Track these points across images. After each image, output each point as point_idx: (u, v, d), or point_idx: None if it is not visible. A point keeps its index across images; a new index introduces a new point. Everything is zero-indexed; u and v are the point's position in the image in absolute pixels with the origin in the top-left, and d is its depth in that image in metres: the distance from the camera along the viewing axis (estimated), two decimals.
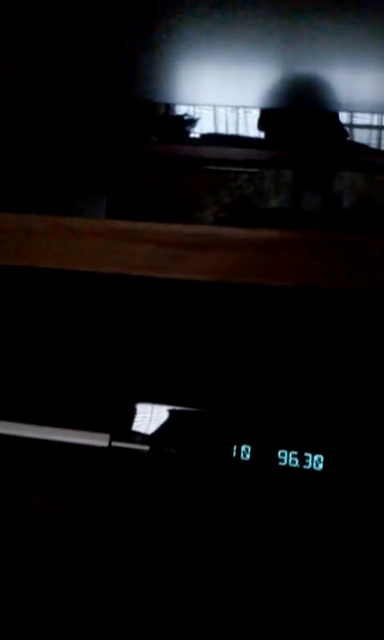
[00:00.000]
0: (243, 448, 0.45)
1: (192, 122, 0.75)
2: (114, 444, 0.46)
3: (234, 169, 0.61)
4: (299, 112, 0.69)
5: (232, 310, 0.42)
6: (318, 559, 0.42)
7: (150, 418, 0.46)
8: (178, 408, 0.45)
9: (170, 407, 0.45)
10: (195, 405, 0.45)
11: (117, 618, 0.44)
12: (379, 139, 0.69)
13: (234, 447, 0.45)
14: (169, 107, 0.75)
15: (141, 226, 0.42)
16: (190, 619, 0.43)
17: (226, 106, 0.72)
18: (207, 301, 0.42)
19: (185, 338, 0.43)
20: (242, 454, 0.45)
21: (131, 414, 0.46)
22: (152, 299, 0.43)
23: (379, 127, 0.69)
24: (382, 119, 0.69)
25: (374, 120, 0.69)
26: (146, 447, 0.46)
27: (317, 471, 0.44)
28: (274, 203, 0.52)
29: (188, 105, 0.74)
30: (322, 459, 0.44)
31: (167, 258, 0.41)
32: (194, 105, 0.74)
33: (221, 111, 0.74)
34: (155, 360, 0.45)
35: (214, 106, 0.73)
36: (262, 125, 0.71)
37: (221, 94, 0.73)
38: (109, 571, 0.45)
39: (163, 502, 0.45)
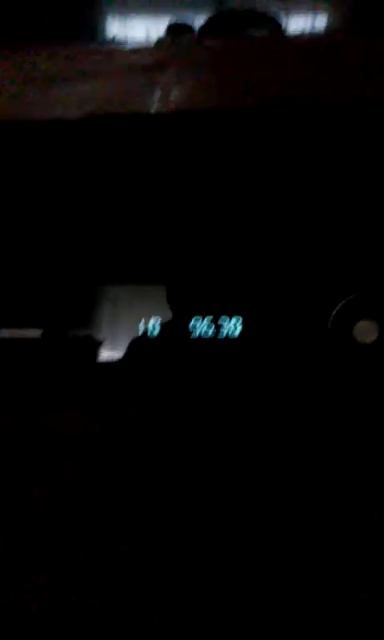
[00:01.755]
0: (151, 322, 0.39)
1: None
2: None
3: None
4: None
5: (109, 146, 0.36)
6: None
7: (37, 297, 0.39)
8: (66, 284, 0.39)
9: (58, 283, 0.39)
10: (85, 278, 0.38)
11: None
12: None
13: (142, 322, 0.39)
14: None
15: None
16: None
17: None
18: (80, 142, 0.35)
19: (56, 193, 0.37)
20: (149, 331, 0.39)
21: (16, 296, 0.39)
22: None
23: None
24: None
25: None
26: (37, 333, 0.39)
27: (233, 339, 0.38)
28: None
29: None
30: (239, 323, 0.38)
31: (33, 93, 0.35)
32: None
33: None
34: (30, 224, 0.38)
35: None
36: None
37: None
38: None
39: (65, 392, 0.38)
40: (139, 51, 0.35)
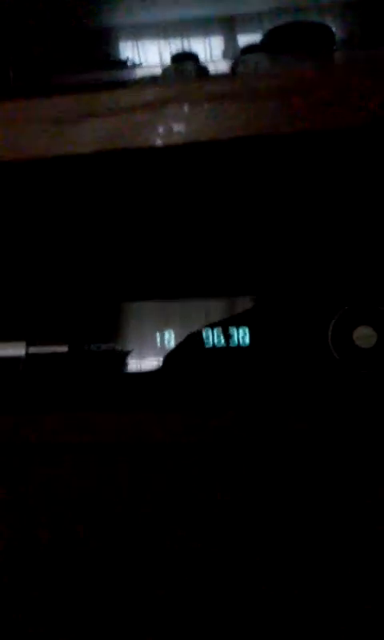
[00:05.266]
0: (167, 334, 0.42)
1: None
2: (32, 350, 0.43)
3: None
4: None
5: (124, 180, 0.39)
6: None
7: (63, 317, 0.43)
8: (89, 300, 0.43)
9: (81, 301, 0.43)
10: (107, 294, 0.42)
11: None
12: None
13: (157, 335, 0.42)
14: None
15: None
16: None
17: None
18: (95, 175, 0.39)
19: (82, 221, 0.40)
20: (166, 342, 0.42)
21: (43, 316, 0.43)
22: (38, 183, 0.40)
23: None
24: None
25: None
26: (65, 348, 0.43)
27: (244, 347, 0.41)
28: None
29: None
30: (247, 332, 0.41)
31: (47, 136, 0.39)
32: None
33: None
34: (56, 250, 0.42)
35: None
36: None
37: None
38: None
39: (90, 401, 0.42)
40: (142, 88, 0.38)
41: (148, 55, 0.79)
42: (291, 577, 0.38)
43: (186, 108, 0.37)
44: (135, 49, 0.80)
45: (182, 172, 0.38)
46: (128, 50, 0.80)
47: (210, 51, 0.73)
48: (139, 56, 0.78)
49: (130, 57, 0.79)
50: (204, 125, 0.37)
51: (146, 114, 0.37)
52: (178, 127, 0.37)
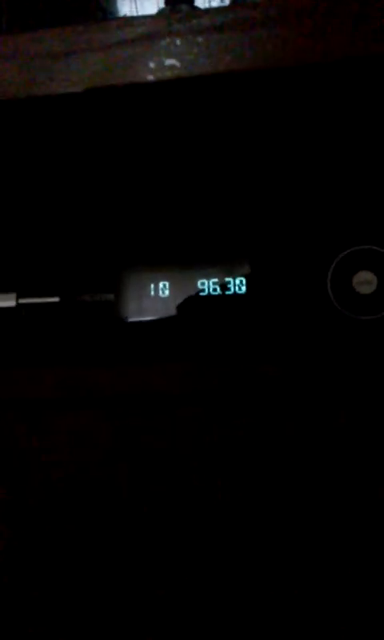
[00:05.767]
0: (161, 285, 0.41)
1: None
2: (22, 301, 0.42)
3: None
4: None
5: (113, 119, 0.38)
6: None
7: (54, 266, 0.42)
8: (82, 250, 0.41)
9: (74, 251, 0.41)
10: (98, 243, 0.41)
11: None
12: None
13: (152, 285, 0.41)
14: None
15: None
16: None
17: None
18: (87, 115, 0.37)
19: (71, 164, 0.39)
20: (160, 291, 0.41)
21: (34, 266, 0.42)
22: (26, 124, 0.39)
23: None
24: None
25: None
26: (56, 299, 0.42)
27: (240, 295, 0.40)
28: None
29: None
30: (243, 280, 0.40)
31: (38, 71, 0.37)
32: None
33: None
34: (43, 197, 0.40)
35: None
36: None
37: None
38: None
39: (83, 354, 0.41)
40: (132, 22, 0.36)
41: (147, 11, 0.76)
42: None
43: (178, 41, 0.35)
44: (133, 5, 0.78)
45: (174, 109, 0.36)
46: (126, 7, 0.78)
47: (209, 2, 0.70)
48: (137, 10, 0.75)
49: (128, 13, 0.77)
50: (197, 58, 0.35)
51: (137, 48, 0.36)
52: (170, 61, 0.36)
